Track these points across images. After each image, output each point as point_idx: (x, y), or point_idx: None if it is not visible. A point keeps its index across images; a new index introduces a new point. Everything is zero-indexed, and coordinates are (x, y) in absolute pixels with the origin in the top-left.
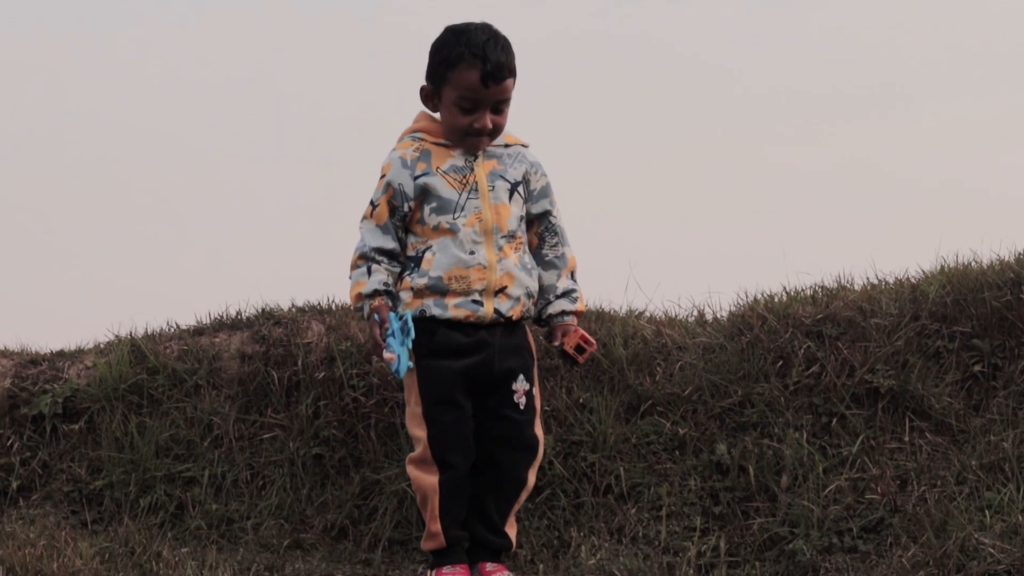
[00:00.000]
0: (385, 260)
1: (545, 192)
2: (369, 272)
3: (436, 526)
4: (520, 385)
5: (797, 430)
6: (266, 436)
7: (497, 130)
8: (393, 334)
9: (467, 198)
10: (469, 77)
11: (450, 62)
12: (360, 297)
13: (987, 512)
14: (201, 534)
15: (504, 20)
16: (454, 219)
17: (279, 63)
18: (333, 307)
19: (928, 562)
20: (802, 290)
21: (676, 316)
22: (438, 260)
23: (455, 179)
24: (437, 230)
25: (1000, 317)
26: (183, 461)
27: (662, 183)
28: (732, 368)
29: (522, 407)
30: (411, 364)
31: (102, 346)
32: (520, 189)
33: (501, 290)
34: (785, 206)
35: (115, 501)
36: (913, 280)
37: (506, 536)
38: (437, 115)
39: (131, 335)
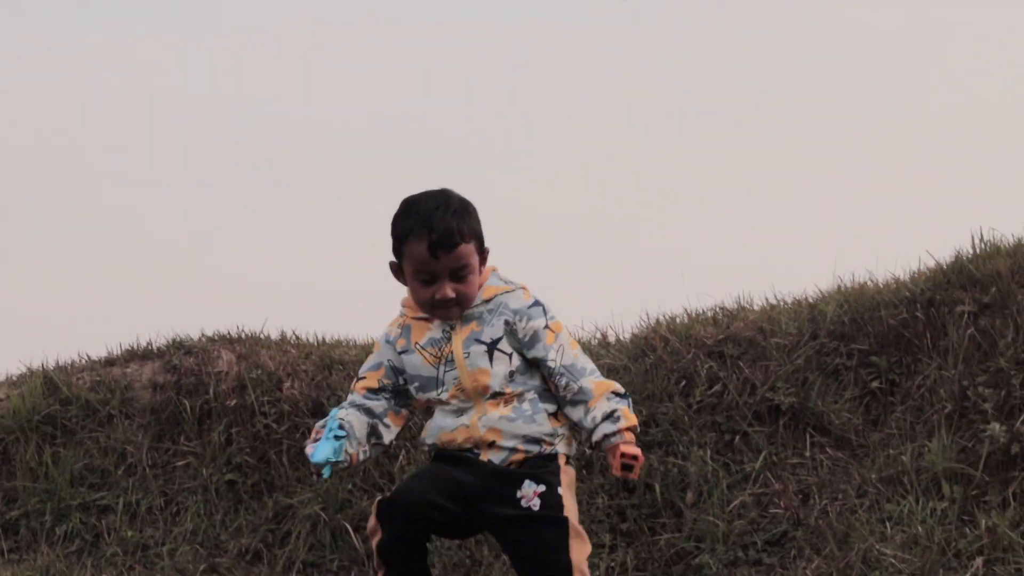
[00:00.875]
0: (354, 411)
1: (535, 338)
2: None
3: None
4: (527, 489)
5: (701, 447)
6: (179, 463)
7: (464, 298)
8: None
9: (445, 371)
10: (418, 249)
11: (402, 236)
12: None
13: (888, 524)
14: (117, 560)
15: None
16: (438, 394)
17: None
18: (243, 336)
19: (831, 573)
20: (703, 311)
21: (580, 338)
22: (430, 428)
23: (431, 354)
24: (431, 403)
25: (896, 334)
26: (98, 489)
27: (559, 205)
28: (636, 388)
29: (536, 508)
30: (332, 459)
31: (14, 378)
32: (501, 344)
33: (491, 444)
34: (683, 229)
35: (31, 530)
36: (811, 300)
37: None
38: None
39: (43, 366)
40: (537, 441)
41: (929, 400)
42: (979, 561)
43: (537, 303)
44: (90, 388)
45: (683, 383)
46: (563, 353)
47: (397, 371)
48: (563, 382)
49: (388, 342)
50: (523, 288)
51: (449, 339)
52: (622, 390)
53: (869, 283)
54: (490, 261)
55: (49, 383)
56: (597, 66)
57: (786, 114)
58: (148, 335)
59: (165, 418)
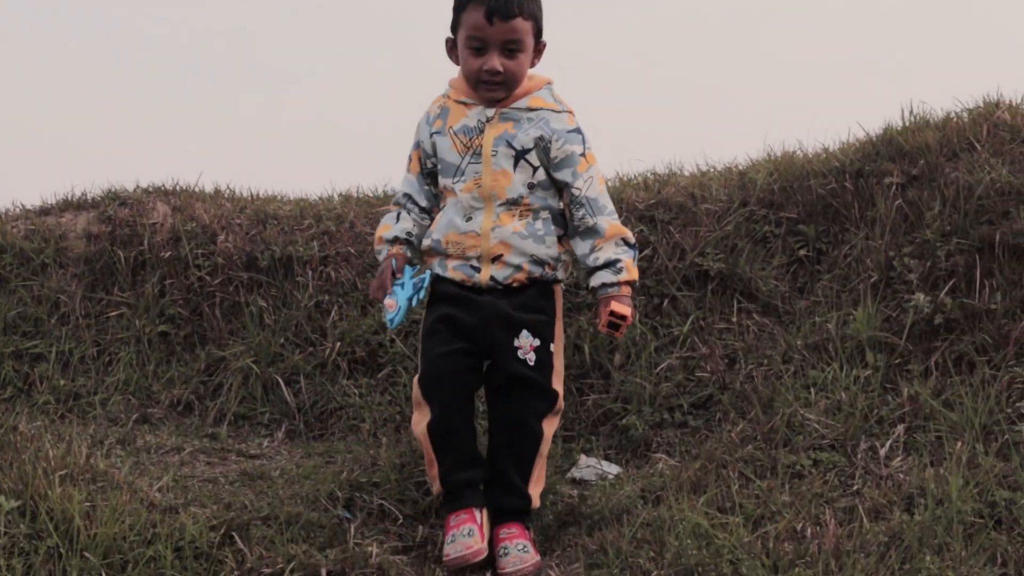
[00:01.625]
0: (416, 211)
1: (568, 162)
2: (398, 218)
3: (433, 471)
4: (524, 340)
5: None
6: (112, 314)
7: (511, 77)
8: (402, 285)
9: (468, 162)
10: (475, 15)
11: (461, 5)
12: (381, 240)
13: (812, 390)
14: (49, 408)
15: None
16: (454, 183)
17: None
18: (178, 188)
19: (756, 437)
20: (634, 176)
21: None
22: (440, 223)
23: (461, 141)
24: (444, 191)
25: (825, 204)
26: (30, 338)
27: None
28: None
29: (531, 363)
30: (405, 321)
31: None
32: (530, 156)
33: (497, 258)
34: (616, 93)
35: None
36: (741, 167)
37: (525, 496)
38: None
39: None
40: (542, 263)
41: (855, 269)
42: (900, 428)
43: (579, 130)
44: (24, 236)
45: None
46: (591, 185)
47: (427, 154)
48: (581, 213)
49: (427, 122)
50: (570, 112)
51: (482, 131)
52: (632, 240)
53: (799, 153)
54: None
55: None
56: None
57: None
58: (83, 186)
59: (99, 268)
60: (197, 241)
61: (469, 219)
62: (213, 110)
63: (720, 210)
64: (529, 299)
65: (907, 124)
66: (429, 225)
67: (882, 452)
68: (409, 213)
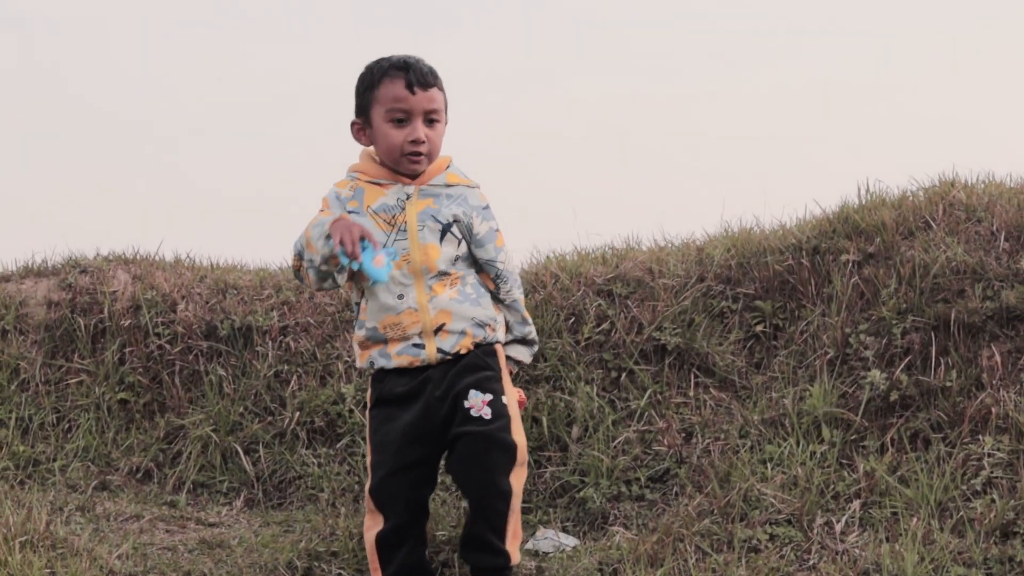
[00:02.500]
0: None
1: (487, 239)
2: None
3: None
4: (474, 399)
5: (588, 383)
6: (72, 381)
7: (433, 147)
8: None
9: (395, 239)
10: (395, 88)
11: (374, 83)
12: (319, 225)
13: (768, 465)
14: (9, 475)
15: None
16: None
17: None
18: (138, 257)
19: (712, 510)
20: (593, 250)
21: None
22: (371, 309)
23: (383, 219)
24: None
25: (782, 280)
26: None
27: (455, 141)
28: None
29: (487, 416)
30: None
31: None
32: (455, 230)
33: (439, 328)
34: (574, 168)
35: None
36: (699, 243)
37: (503, 552)
38: (372, 150)
39: None
40: (483, 325)
41: (812, 346)
42: (856, 504)
43: (489, 207)
44: None
45: (572, 320)
46: (508, 261)
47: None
48: (506, 288)
49: (339, 199)
50: (479, 188)
51: (403, 208)
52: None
53: (756, 229)
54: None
55: None
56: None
57: (677, 51)
58: (44, 253)
59: (59, 335)
60: (157, 309)
61: (401, 297)
62: (171, 178)
63: (678, 285)
64: (470, 361)
65: (863, 202)
66: None
67: (838, 527)
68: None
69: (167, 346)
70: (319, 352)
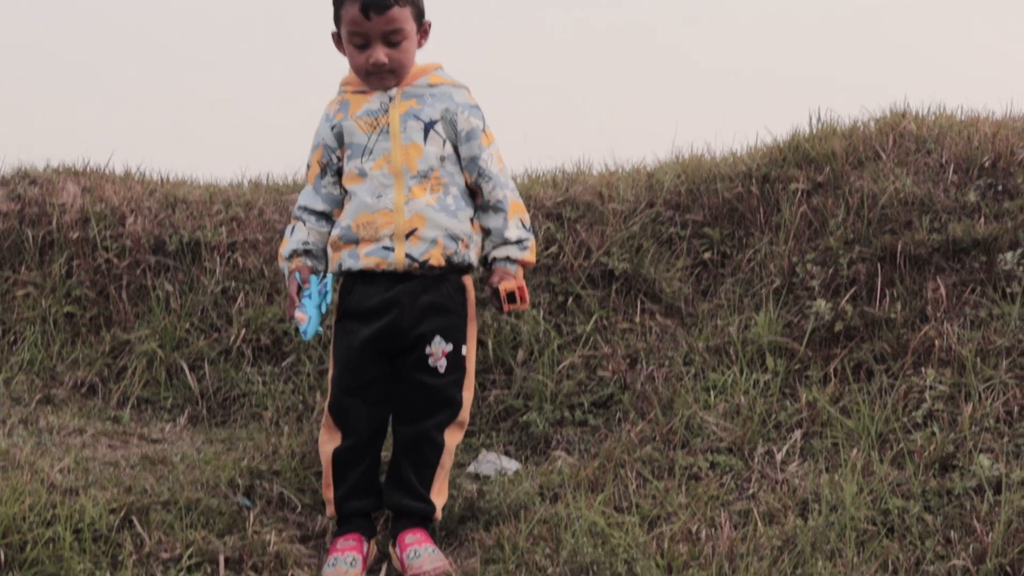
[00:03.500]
0: (312, 219)
1: (472, 135)
2: (292, 231)
3: (329, 494)
4: (436, 347)
5: (534, 307)
6: (19, 293)
7: (398, 66)
8: (309, 295)
9: (376, 140)
10: (352, 11)
11: (337, 2)
12: (280, 257)
13: (711, 392)
14: None
15: None
16: (362, 163)
17: None
18: (88, 169)
19: (655, 437)
20: (543, 173)
21: None
22: (347, 209)
23: (366, 122)
24: (348, 177)
25: (731, 208)
26: None
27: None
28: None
29: (441, 370)
30: (320, 329)
31: None
32: (439, 128)
33: (411, 233)
34: (526, 90)
35: None
36: (649, 169)
37: (427, 500)
38: None
39: None
40: (456, 238)
41: (758, 274)
42: (798, 433)
43: (478, 107)
44: None
45: None
46: (494, 159)
47: (330, 149)
48: (489, 187)
49: (327, 119)
50: (467, 88)
51: (386, 111)
52: (528, 222)
53: (707, 156)
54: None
55: None
56: None
57: None
58: None
59: (7, 247)
60: (106, 223)
61: (379, 196)
62: (125, 91)
63: (627, 210)
64: (443, 298)
65: (814, 131)
66: (329, 230)
67: (778, 457)
68: (305, 223)
69: (115, 260)
70: (267, 269)
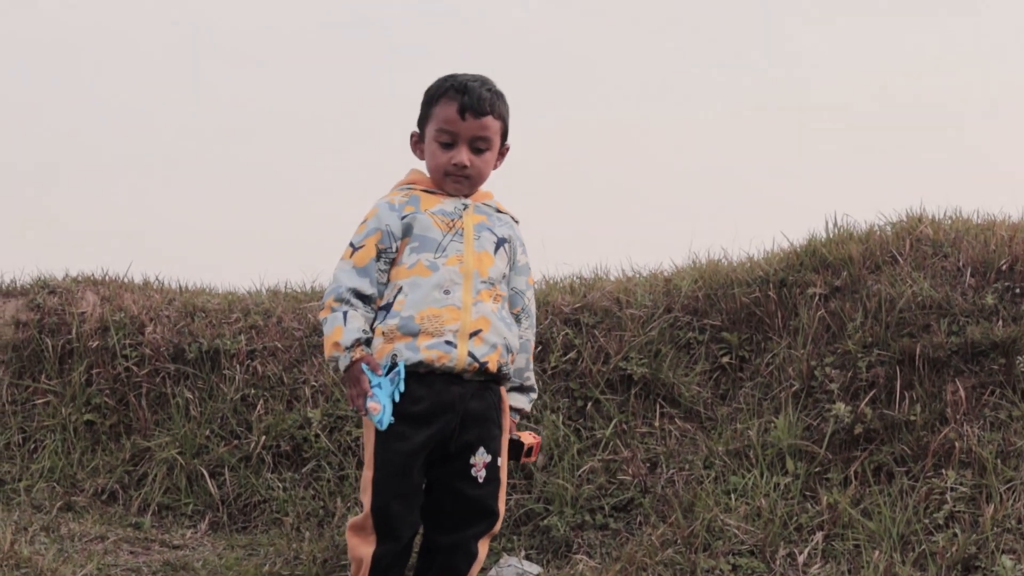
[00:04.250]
0: (361, 304)
1: (524, 271)
2: (345, 319)
3: None
4: (480, 458)
5: (554, 412)
6: (39, 401)
7: (477, 174)
8: (380, 385)
9: (451, 240)
10: (448, 109)
11: (433, 99)
12: (337, 346)
13: (732, 495)
14: None
15: None
16: (434, 258)
17: None
18: (107, 279)
19: (676, 540)
20: (561, 279)
21: None
22: (410, 299)
23: (442, 221)
24: (414, 268)
25: (748, 312)
26: None
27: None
28: None
29: (481, 479)
30: (393, 419)
31: None
32: (506, 247)
33: (476, 333)
34: (542, 198)
35: None
36: (667, 274)
37: None
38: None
39: None
40: (509, 350)
41: (777, 378)
42: (819, 536)
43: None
44: None
45: (539, 348)
46: (533, 302)
47: (392, 236)
48: (526, 324)
49: (391, 208)
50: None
51: (460, 216)
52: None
53: (724, 261)
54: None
55: None
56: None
57: (652, 88)
58: (12, 273)
59: (27, 356)
60: (125, 331)
61: (448, 292)
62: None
63: (645, 315)
64: (488, 408)
65: (831, 236)
66: (372, 319)
67: (800, 559)
68: (356, 309)
69: (134, 368)
70: (286, 376)
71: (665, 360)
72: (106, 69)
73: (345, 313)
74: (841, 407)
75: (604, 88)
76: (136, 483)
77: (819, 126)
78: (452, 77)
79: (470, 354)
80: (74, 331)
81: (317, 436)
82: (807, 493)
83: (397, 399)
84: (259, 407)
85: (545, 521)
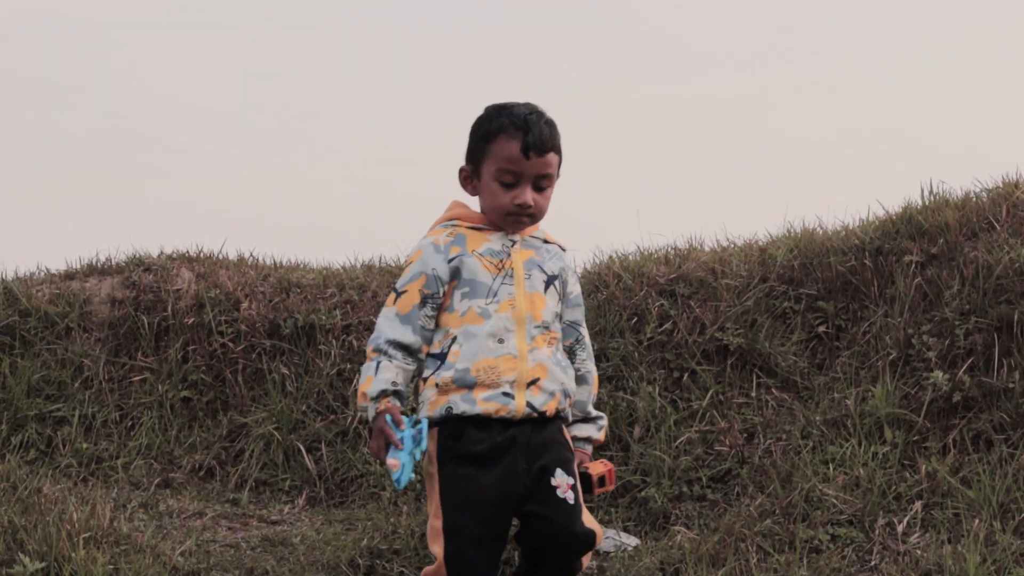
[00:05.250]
0: (399, 356)
1: (578, 301)
2: (377, 368)
3: None
4: (561, 479)
5: (650, 383)
6: (135, 379)
7: (539, 212)
8: (403, 440)
9: (501, 283)
10: (510, 148)
11: (490, 136)
12: (364, 396)
13: (830, 465)
14: (72, 471)
15: None
16: (486, 305)
17: None
18: (202, 255)
19: (774, 511)
20: (655, 250)
21: None
22: (465, 351)
23: (491, 263)
24: (466, 316)
25: (844, 281)
26: (54, 401)
27: None
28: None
29: (571, 501)
30: (414, 476)
31: None
32: (556, 284)
33: (533, 382)
34: (637, 167)
35: None
36: (761, 244)
37: None
38: (475, 200)
39: (2, 278)
40: (567, 395)
41: (874, 346)
42: (918, 505)
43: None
44: (49, 301)
45: (634, 320)
46: (587, 331)
47: (439, 281)
48: (583, 356)
49: (436, 249)
50: (568, 252)
51: (508, 255)
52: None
53: (819, 230)
54: None
55: (9, 294)
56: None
57: (745, 57)
58: (107, 251)
59: (123, 333)
60: (220, 308)
61: (502, 341)
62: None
63: (740, 285)
64: (554, 434)
65: (927, 203)
66: (415, 368)
67: (900, 528)
68: (391, 360)
69: (230, 344)
70: None
71: (761, 330)
72: (199, 39)
73: (379, 363)
74: (939, 375)
75: (691, 56)
76: (233, 459)
77: (910, 94)
78: (506, 110)
79: (528, 404)
80: (169, 308)
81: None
82: (905, 462)
83: (418, 457)
84: (355, 382)
85: (642, 493)
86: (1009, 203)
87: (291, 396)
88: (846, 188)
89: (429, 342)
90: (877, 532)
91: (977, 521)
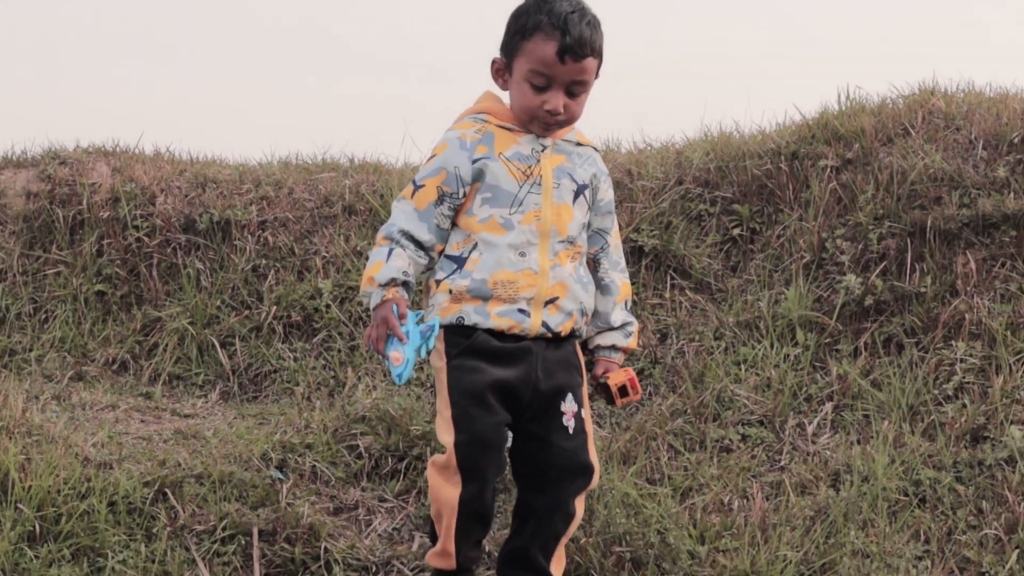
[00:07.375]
0: (411, 248)
1: (608, 207)
2: (389, 255)
3: (450, 546)
4: (569, 406)
5: None
6: (50, 272)
7: (570, 118)
8: (407, 333)
9: (528, 192)
10: (545, 49)
11: (526, 31)
12: (371, 281)
13: (742, 366)
14: None
15: None
16: (510, 215)
17: None
18: (118, 149)
19: (686, 410)
20: None
21: None
22: (484, 261)
23: (518, 168)
24: (486, 224)
25: (760, 184)
26: None
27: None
28: None
29: (571, 431)
30: (413, 374)
31: None
32: (586, 193)
33: (551, 301)
34: None
35: None
36: (678, 146)
37: (547, 574)
38: (506, 95)
39: None
40: (584, 314)
41: (788, 250)
42: (828, 406)
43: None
44: None
45: None
46: (617, 239)
47: (460, 181)
48: (607, 264)
49: (462, 146)
50: (601, 153)
51: (538, 160)
52: (631, 300)
53: (735, 134)
54: None
55: None
56: None
57: None
58: (23, 143)
59: (37, 226)
60: (136, 202)
61: (523, 255)
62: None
63: (656, 187)
64: (570, 355)
65: (843, 108)
66: (427, 264)
67: (810, 429)
68: (404, 250)
69: (145, 239)
70: (297, 247)
71: (676, 232)
72: None
73: (391, 250)
74: (852, 279)
75: None
76: (147, 353)
77: None
78: (547, 5)
79: (544, 323)
80: (85, 202)
81: (328, 307)
82: (817, 364)
83: (424, 356)
84: (270, 277)
85: None
86: (924, 110)
87: (206, 291)
88: (764, 93)
89: (444, 241)
90: (787, 432)
91: (886, 423)
